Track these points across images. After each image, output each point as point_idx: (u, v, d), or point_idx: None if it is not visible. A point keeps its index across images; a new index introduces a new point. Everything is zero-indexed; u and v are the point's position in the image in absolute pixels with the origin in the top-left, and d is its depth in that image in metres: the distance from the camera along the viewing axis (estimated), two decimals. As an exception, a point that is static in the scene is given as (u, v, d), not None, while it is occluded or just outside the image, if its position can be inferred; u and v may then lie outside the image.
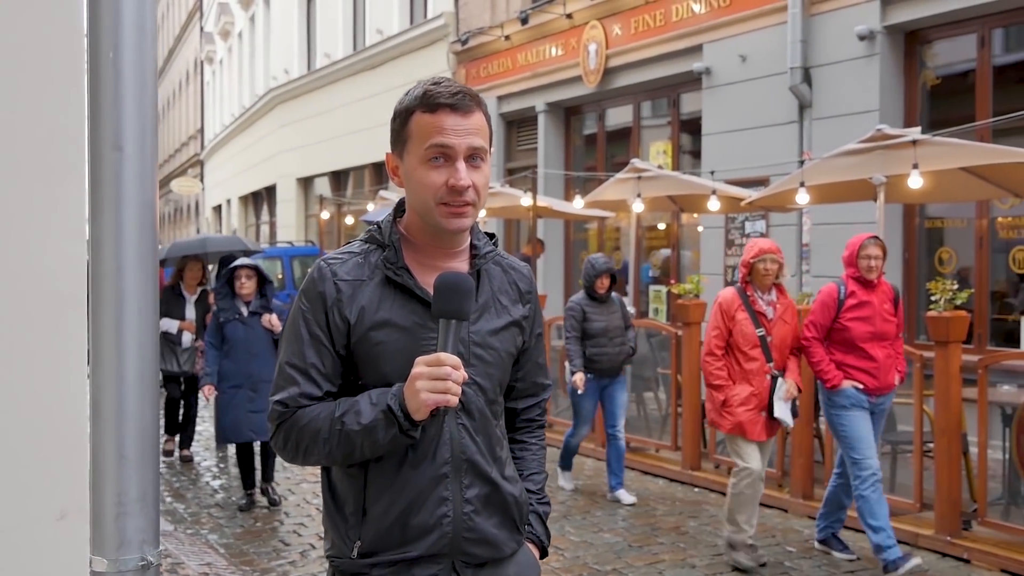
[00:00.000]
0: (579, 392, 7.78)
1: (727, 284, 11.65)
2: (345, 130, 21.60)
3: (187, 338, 9.48)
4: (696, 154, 12.71)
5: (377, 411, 2.09)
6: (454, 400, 2.04)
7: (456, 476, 2.20)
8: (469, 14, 17.05)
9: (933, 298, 6.57)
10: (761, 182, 10.64)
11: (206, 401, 8.10)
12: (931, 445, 6.98)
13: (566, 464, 8.44)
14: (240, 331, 7.49)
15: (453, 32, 17.44)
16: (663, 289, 12.96)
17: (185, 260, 9.90)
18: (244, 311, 7.53)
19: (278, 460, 8.26)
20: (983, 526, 6.52)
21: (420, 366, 2.04)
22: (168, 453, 9.81)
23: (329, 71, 22.66)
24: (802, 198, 7.73)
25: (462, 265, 2.28)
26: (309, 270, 2.29)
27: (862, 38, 10.03)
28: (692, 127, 12.99)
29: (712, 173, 9.62)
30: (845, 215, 9.71)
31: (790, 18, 10.69)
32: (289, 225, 25.85)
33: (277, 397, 2.21)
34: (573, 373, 7.72)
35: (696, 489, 8.43)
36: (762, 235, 11.03)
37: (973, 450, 6.81)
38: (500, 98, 16.50)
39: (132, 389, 1.73)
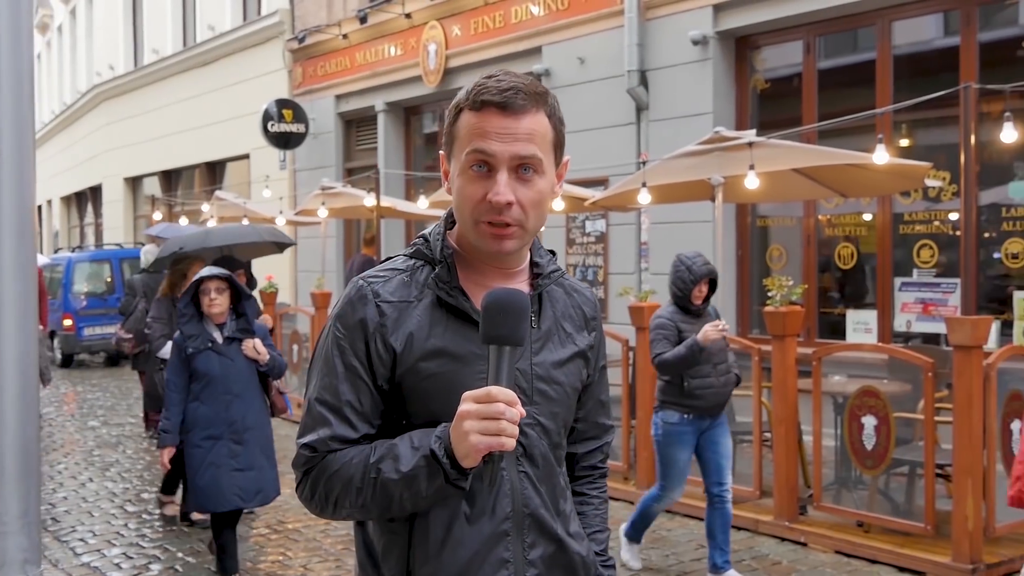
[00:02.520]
0: (703, 344, 5.65)
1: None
2: (176, 128, 20.97)
3: None
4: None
5: (418, 456, 1.78)
6: (510, 443, 1.70)
7: (518, 534, 1.90)
8: (305, 11, 16.81)
9: (770, 294, 6.85)
10: (600, 182, 10.88)
11: (165, 469, 6.11)
12: (769, 435, 7.30)
13: (636, 534, 6.37)
14: (215, 364, 5.68)
15: (289, 30, 17.17)
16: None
17: (182, 261, 7.70)
18: (218, 337, 5.72)
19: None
20: (818, 510, 6.85)
21: (468, 403, 1.71)
22: (173, 518, 7.47)
23: (158, 67, 21.97)
24: (644, 198, 7.93)
25: (521, 287, 1.96)
26: (346, 290, 1.96)
27: (696, 43, 10.36)
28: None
29: (556, 174, 9.76)
30: (681, 214, 10.01)
31: (627, 22, 10.95)
32: (117, 227, 24.94)
33: (305, 440, 1.90)
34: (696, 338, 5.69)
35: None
36: (602, 234, 11.26)
37: (808, 439, 7.13)
38: (339, 97, 16.34)
39: (11, 403, 1.65)
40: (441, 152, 1.97)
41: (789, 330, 6.77)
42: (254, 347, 5.74)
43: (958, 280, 7.77)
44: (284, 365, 6.21)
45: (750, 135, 7.28)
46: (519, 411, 1.71)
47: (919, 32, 9.53)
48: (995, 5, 8.89)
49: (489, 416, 1.68)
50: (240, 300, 5.78)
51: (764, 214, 10.60)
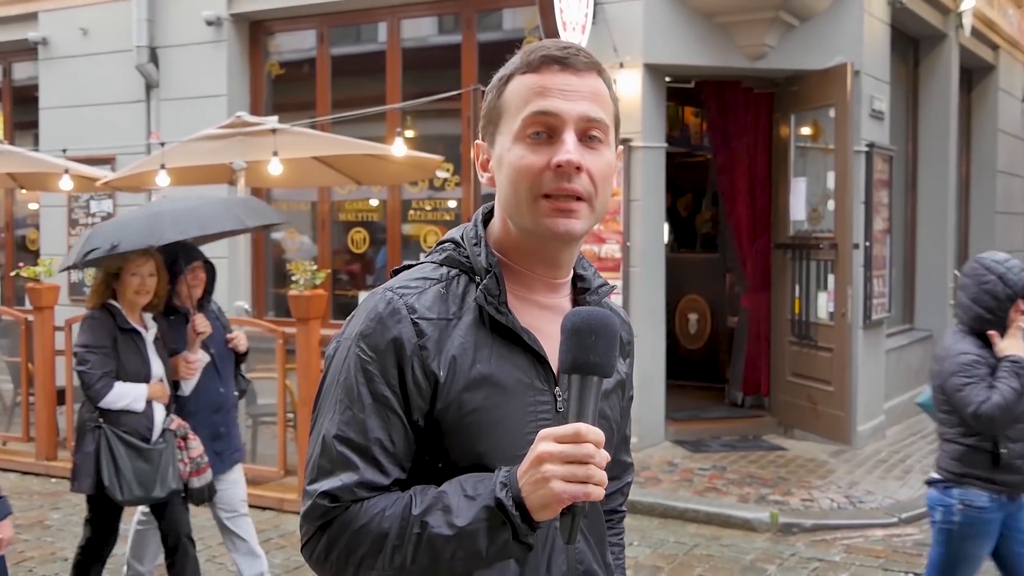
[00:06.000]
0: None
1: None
2: None
3: (160, 415, 4.84)
4: (31, 127, 11.98)
5: (478, 508, 1.47)
6: (598, 492, 1.41)
7: None
8: None
9: (294, 278, 7.02)
10: (106, 160, 10.41)
11: None
12: (293, 415, 7.50)
13: None
14: None
15: None
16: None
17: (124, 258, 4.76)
18: None
19: None
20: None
21: (548, 442, 1.41)
22: None
23: None
24: (162, 180, 7.73)
25: (564, 303, 1.69)
26: (366, 300, 1.64)
27: (210, 23, 10.21)
28: (26, 98, 12.20)
29: (64, 151, 9.21)
30: (195, 196, 9.87)
31: (135, -5, 10.55)
32: None
33: (323, 487, 1.54)
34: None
35: (53, 480, 8.09)
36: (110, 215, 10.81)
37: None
38: None
39: None
40: (477, 143, 1.71)
41: (313, 313, 6.99)
42: None
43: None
44: None
45: (272, 121, 7.39)
46: (607, 455, 1.44)
47: (425, 29, 10.18)
48: (491, 11, 9.73)
49: (577, 459, 1.40)
50: None
51: (280, 199, 10.74)
